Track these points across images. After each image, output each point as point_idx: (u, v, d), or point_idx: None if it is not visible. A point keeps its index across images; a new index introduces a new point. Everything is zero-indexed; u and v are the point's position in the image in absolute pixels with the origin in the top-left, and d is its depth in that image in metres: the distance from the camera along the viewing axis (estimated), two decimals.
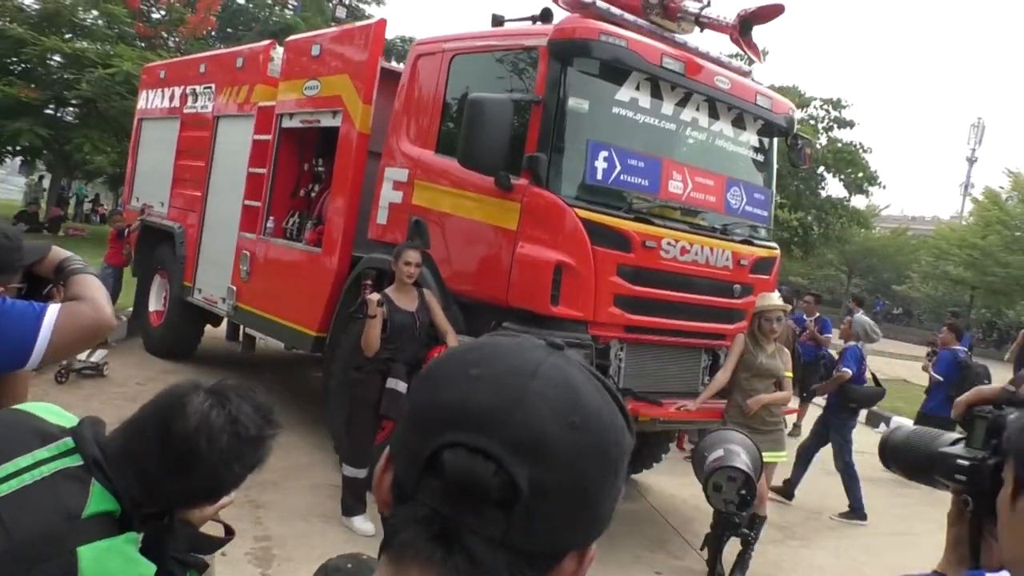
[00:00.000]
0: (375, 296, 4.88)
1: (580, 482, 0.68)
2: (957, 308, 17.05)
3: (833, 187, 29.06)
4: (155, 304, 9.25)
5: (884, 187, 28.21)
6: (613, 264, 4.98)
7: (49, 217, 21.74)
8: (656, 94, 5.26)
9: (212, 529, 1.59)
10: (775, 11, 5.25)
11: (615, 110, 5.11)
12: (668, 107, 5.35)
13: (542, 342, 0.75)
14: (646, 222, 5.13)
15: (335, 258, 6.28)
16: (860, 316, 7.98)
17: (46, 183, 27.32)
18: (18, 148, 21.69)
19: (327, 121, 6.67)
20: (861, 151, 27.94)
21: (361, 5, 28.29)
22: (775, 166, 6.28)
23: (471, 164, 4.95)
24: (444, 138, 5.57)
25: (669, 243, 5.19)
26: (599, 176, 4.99)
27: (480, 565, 0.66)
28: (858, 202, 32.92)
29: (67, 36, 19.17)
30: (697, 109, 5.51)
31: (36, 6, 18.95)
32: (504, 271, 4.99)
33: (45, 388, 7.00)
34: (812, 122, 28.79)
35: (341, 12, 9.17)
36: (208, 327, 8.97)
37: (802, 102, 28.55)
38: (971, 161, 54.41)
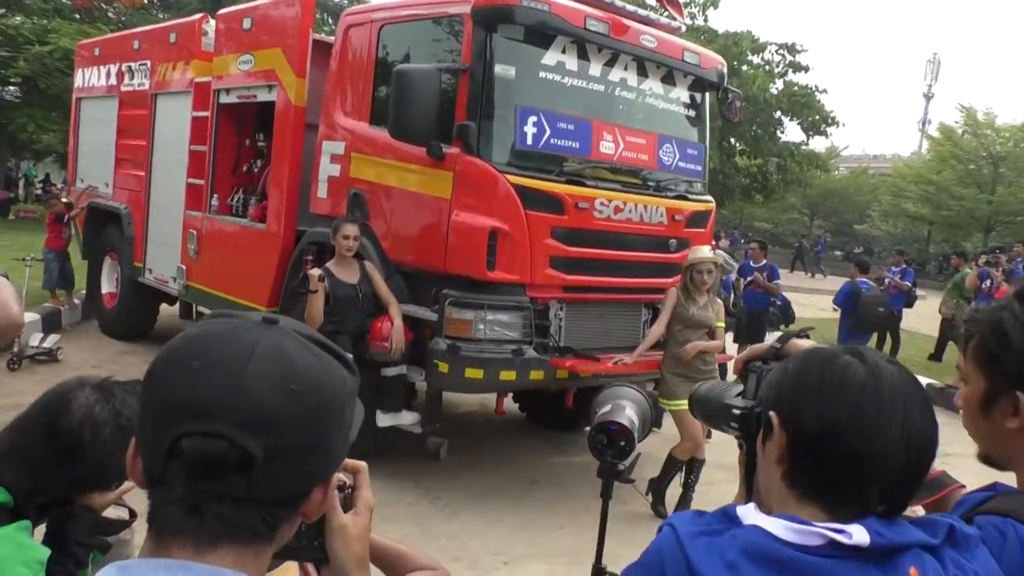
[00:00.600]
0: (316, 271, 4.96)
1: (309, 438, 0.80)
2: (901, 247, 17.44)
3: (793, 131, 29.38)
4: (108, 286, 9.22)
5: (842, 126, 28.42)
6: (547, 227, 5.11)
7: None
8: (583, 56, 5.33)
9: (117, 512, 1.71)
10: None
11: (542, 74, 5.18)
12: (596, 68, 5.42)
13: (259, 319, 0.84)
14: (579, 184, 5.25)
15: (279, 233, 6.33)
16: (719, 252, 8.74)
17: None
18: None
19: (263, 96, 6.65)
20: (816, 93, 28.14)
21: None
22: (707, 121, 6.39)
23: (401, 135, 5.01)
24: (377, 109, 5.60)
25: (602, 203, 5.32)
26: (529, 141, 5.08)
27: (232, 521, 0.78)
28: (818, 144, 33.27)
29: (1, 12, 18.61)
30: (625, 69, 5.59)
31: None
32: (441, 239, 5.09)
33: None
34: (768, 67, 28.90)
35: None
36: (165, 306, 8.98)
37: (756, 47, 28.52)
38: (928, 97, 54.95)
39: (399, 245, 5.44)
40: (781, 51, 28.94)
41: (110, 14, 20.03)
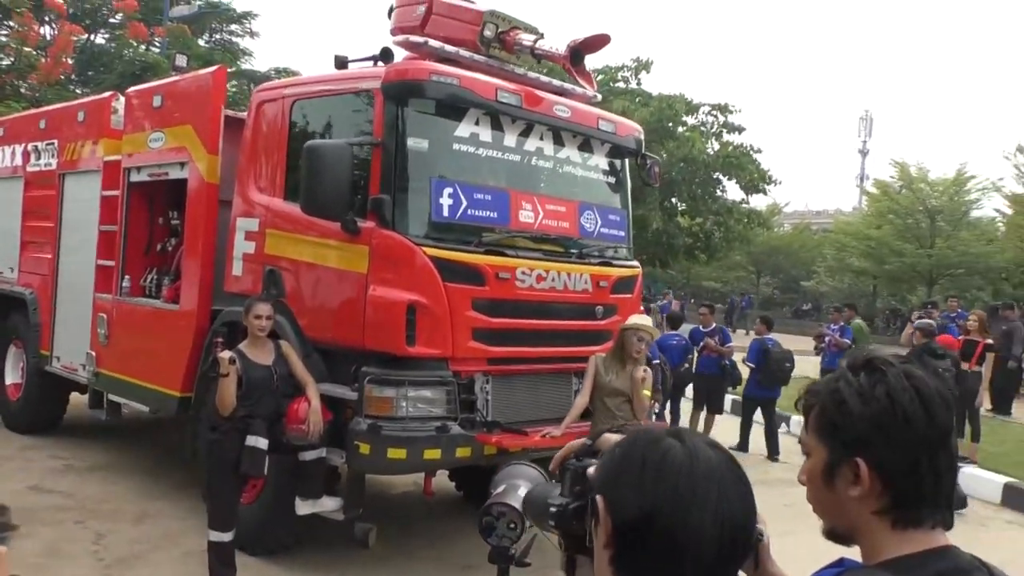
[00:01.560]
0: (226, 354, 4.73)
1: None
2: (845, 303, 17.78)
3: (734, 191, 30.10)
4: (12, 376, 8.72)
5: (779, 184, 29.25)
6: (467, 299, 5.00)
7: None
8: (497, 127, 5.33)
9: None
10: (602, 41, 5.42)
11: (456, 146, 5.15)
12: (511, 139, 5.42)
13: None
14: (499, 254, 5.18)
15: (193, 313, 6.09)
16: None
17: None
18: None
19: (175, 173, 6.47)
20: (752, 152, 29.10)
21: (234, 39, 27.73)
22: (628, 186, 6.44)
23: (314, 211, 4.90)
24: (291, 185, 5.47)
25: (524, 272, 5.25)
26: (445, 213, 5.01)
27: None
28: (760, 202, 34.19)
29: None
30: (541, 138, 5.61)
31: None
32: (359, 315, 4.94)
33: None
34: (703, 128, 29.84)
35: (181, 60, 8.96)
36: (75, 395, 8.52)
37: (690, 108, 29.45)
38: (863, 153, 57.37)
39: (316, 322, 5.26)
40: (714, 112, 29.99)
41: (23, 90, 19.60)
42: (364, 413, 4.80)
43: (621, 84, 30.64)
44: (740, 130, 29.07)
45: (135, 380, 6.67)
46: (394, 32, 5.85)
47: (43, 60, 19.94)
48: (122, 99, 7.38)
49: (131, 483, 7.01)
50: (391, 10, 6.14)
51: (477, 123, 5.23)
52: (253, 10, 27.03)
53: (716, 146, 29.66)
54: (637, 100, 29.11)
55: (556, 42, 5.63)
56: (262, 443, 4.77)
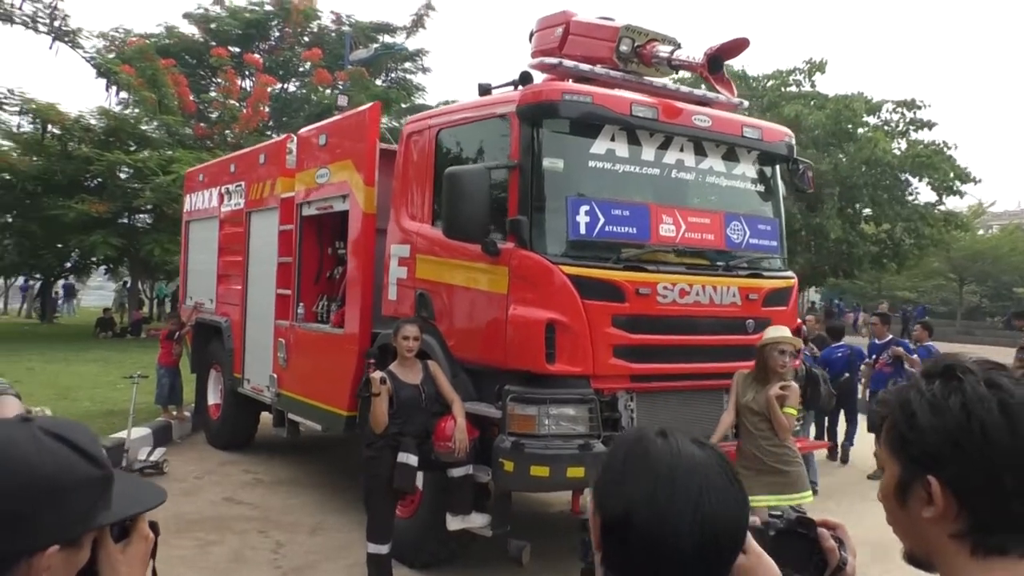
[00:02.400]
0: (377, 374, 4.99)
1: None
2: None
3: (927, 193, 27.93)
4: (213, 398, 9.62)
5: (978, 182, 26.86)
6: (607, 315, 4.98)
7: (131, 321, 22.90)
8: (635, 141, 5.29)
9: None
10: (741, 45, 5.25)
11: (592, 163, 5.16)
12: (649, 152, 5.37)
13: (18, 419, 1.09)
14: (639, 269, 5.12)
15: (356, 336, 6.46)
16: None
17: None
18: (99, 259, 23.12)
19: (339, 206, 6.92)
20: (945, 150, 26.93)
21: (408, 76, 29.27)
22: (780, 194, 6.17)
23: (455, 234, 5.07)
24: (438, 211, 5.71)
25: (665, 287, 5.16)
26: (582, 230, 5.03)
27: None
28: (959, 203, 31.49)
29: (132, 148, 20.45)
30: (681, 150, 5.51)
31: (101, 124, 20.30)
32: (501, 335, 5.05)
33: None
34: (887, 127, 27.97)
35: (343, 101, 9.60)
36: (266, 414, 9.26)
37: (871, 107, 27.79)
38: None
39: (463, 343, 5.43)
40: (899, 109, 28.04)
41: (229, 139, 21.65)
42: (508, 431, 4.89)
43: (793, 88, 29.43)
44: (930, 126, 27.04)
45: (309, 400, 7.16)
46: (535, 55, 5.98)
47: (243, 110, 21.98)
48: (295, 140, 8.00)
49: (310, 496, 7.51)
50: (531, 34, 6.29)
51: (613, 139, 5.22)
52: (424, 47, 28.27)
53: (903, 146, 27.74)
54: (812, 103, 27.81)
55: (698, 51, 5.51)
56: (412, 459, 4.98)
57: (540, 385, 4.93)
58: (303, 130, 7.85)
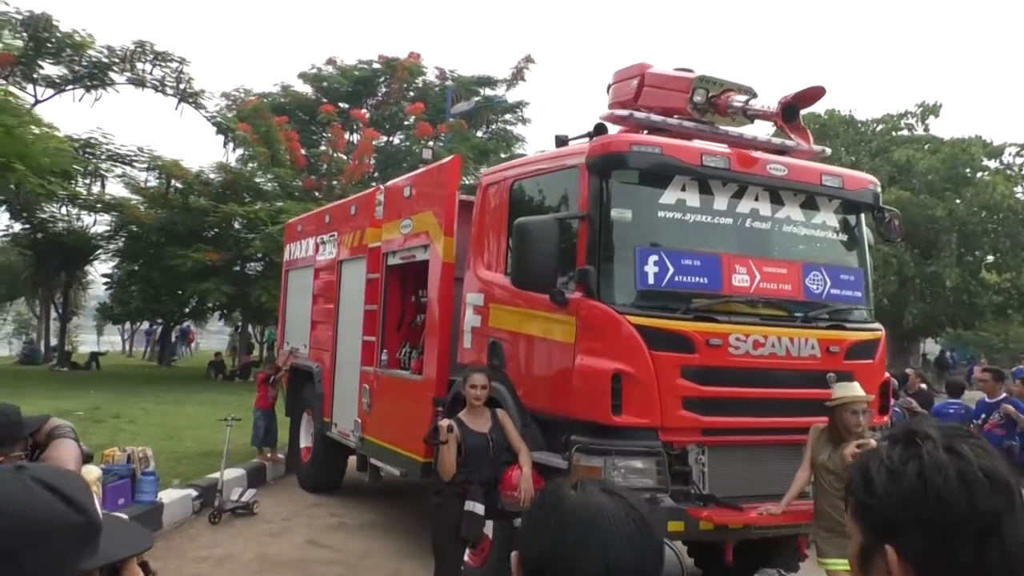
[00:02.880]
0: (446, 422, 5.05)
1: None
2: None
3: None
4: (305, 440, 9.92)
5: None
6: (676, 367, 4.90)
7: (240, 364, 23.97)
8: (706, 191, 5.24)
9: None
10: (816, 94, 5.16)
11: (662, 214, 5.14)
12: (722, 202, 5.30)
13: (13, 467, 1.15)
14: (710, 320, 5.03)
15: (432, 383, 6.57)
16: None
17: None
18: (213, 305, 24.42)
19: (420, 255, 7.11)
20: None
21: (508, 127, 29.92)
22: (865, 243, 5.95)
23: (523, 284, 5.13)
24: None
25: (738, 338, 5.04)
26: (651, 281, 4.99)
27: None
28: None
29: (246, 200, 21.65)
30: (756, 199, 5.41)
31: (219, 178, 21.61)
32: (568, 384, 5.04)
33: (200, 529, 7.66)
34: (1009, 171, 26.66)
35: (427, 153, 9.91)
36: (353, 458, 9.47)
37: (991, 151, 26.62)
38: None
39: (532, 392, 5.44)
40: (1022, 152, 26.69)
41: (336, 190, 22.62)
42: None
43: (905, 132, 28.41)
44: None
45: (389, 445, 7.30)
46: (612, 107, 6.03)
47: (349, 163, 22.96)
48: (383, 191, 8.29)
49: (390, 541, 7.60)
50: (609, 87, 6.36)
51: (684, 189, 5.18)
52: (525, 99, 28.86)
53: None
54: (927, 147, 26.77)
55: (767, 99, 5.44)
56: (479, 508, 4.99)
57: (607, 436, 4.87)
58: (391, 182, 8.13)
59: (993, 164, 26.43)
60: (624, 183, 5.10)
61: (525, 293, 5.37)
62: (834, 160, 23.54)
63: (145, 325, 34.19)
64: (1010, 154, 26.36)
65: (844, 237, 5.83)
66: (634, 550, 1.13)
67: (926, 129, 28.15)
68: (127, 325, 36.14)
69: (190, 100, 19.75)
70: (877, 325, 5.83)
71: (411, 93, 27.94)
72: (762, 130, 5.64)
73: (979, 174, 25.87)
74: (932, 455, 1.06)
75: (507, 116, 29.58)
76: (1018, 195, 25.62)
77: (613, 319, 4.89)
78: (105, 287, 27.07)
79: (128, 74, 18.93)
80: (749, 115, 5.51)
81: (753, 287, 5.25)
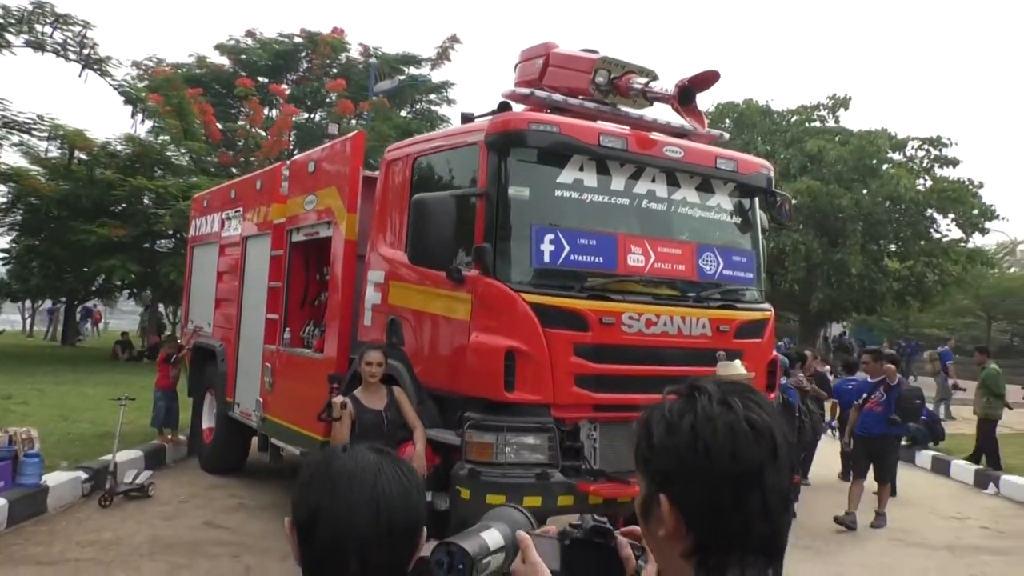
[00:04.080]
0: (339, 399, 5.00)
1: None
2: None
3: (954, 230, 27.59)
4: (207, 421, 9.66)
5: (1004, 219, 26.63)
6: (569, 344, 4.96)
7: (149, 344, 23.19)
8: (604, 171, 5.30)
9: None
10: (711, 77, 5.25)
11: (559, 193, 5.17)
12: (619, 182, 5.36)
13: None
14: (604, 299, 5.10)
15: (333, 361, 6.48)
16: None
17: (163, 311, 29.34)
18: (120, 283, 23.52)
19: (324, 232, 6.99)
20: (971, 187, 26.69)
21: (432, 107, 29.61)
22: (758, 226, 6.12)
23: (419, 260, 5.10)
24: None
25: (631, 317, 5.13)
26: (547, 259, 5.02)
27: None
28: (990, 240, 30.96)
29: (158, 174, 20.87)
30: (653, 181, 5.50)
31: (127, 150, 20.76)
32: (463, 361, 5.04)
33: (88, 512, 7.39)
34: (911, 164, 27.79)
35: (333, 129, 9.73)
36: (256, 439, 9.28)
37: (896, 144, 27.67)
38: None
39: (429, 369, 5.43)
40: (925, 146, 27.85)
41: (254, 166, 22.01)
42: (466, 458, 4.86)
43: (817, 123, 29.32)
44: (955, 163, 26.78)
45: (291, 425, 7.17)
46: (518, 85, 6.02)
47: (267, 139, 22.37)
48: (289, 167, 8.11)
49: None
50: (516, 66, 6.34)
51: (582, 168, 5.22)
52: (450, 79, 28.63)
53: (928, 183, 27.44)
54: (836, 138, 27.68)
55: (666, 83, 5.51)
56: None
57: (500, 413, 4.90)
58: (295, 158, 7.96)
59: (898, 157, 27.51)
60: (522, 161, 5.11)
61: (424, 270, 5.34)
62: (751, 149, 24.18)
63: (48, 303, 32.75)
64: (913, 147, 27.48)
65: (737, 220, 5.98)
66: (400, 492, 1.22)
67: (836, 121, 29.11)
68: (28, 303, 34.53)
69: (95, 67, 18.85)
70: (767, 305, 6.02)
71: (334, 70, 27.35)
72: (668, 114, 5.69)
73: (884, 166, 26.90)
74: (705, 408, 1.09)
75: (432, 96, 29.28)
76: (920, 188, 26.75)
77: (508, 296, 4.90)
78: (2, 263, 25.75)
79: (25, 36, 17.93)
80: (649, 97, 5.58)
81: (648, 267, 5.34)
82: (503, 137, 5.08)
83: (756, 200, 6.11)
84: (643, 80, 5.60)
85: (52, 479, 7.44)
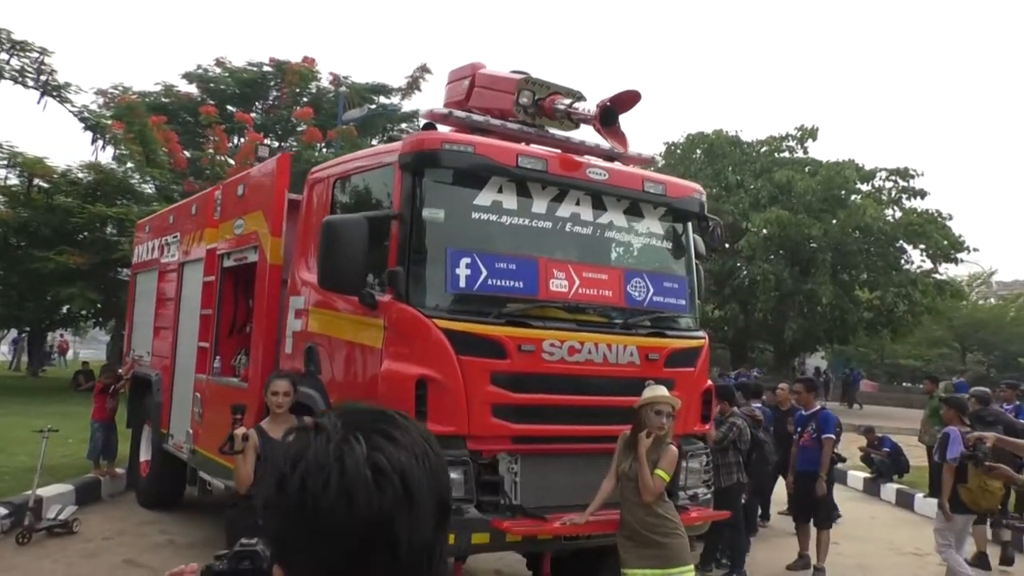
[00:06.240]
0: (241, 430, 4.76)
1: None
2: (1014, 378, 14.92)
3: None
4: (144, 454, 9.33)
5: (973, 251, 26.84)
6: (486, 373, 4.74)
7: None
8: (524, 193, 5.12)
9: None
10: (633, 97, 5.11)
11: (476, 215, 4.98)
12: (541, 205, 5.19)
13: None
14: (524, 325, 4.90)
15: (258, 391, 6.21)
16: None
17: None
18: (83, 312, 23.07)
19: (251, 257, 6.77)
20: (940, 218, 26.88)
21: (403, 136, 29.53)
22: (691, 251, 5.96)
23: (328, 285, 4.89)
24: None
25: (553, 344, 4.92)
26: (462, 284, 4.82)
27: None
28: (962, 271, 31.18)
29: (121, 202, 20.56)
30: (578, 204, 5.33)
31: (88, 178, 20.47)
32: (375, 390, 4.81)
33: (2, 550, 7.04)
34: (880, 195, 27.98)
35: (263, 151, 9.51)
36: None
37: (864, 175, 27.87)
38: None
39: (343, 398, 5.18)
40: (892, 177, 28.07)
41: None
42: None
43: (786, 154, 29.53)
44: (922, 195, 27.03)
45: (217, 458, 6.88)
46: (446, 106, 5.86)
47: (233, 167, 22.14)
48: (222, 190, 7.90)
49: None
50: (445, 86, 6.20)
51: (501, 191, 5.05)
52: (420, 108, 28.57)
53: (898, 214, 27.64)
54: (807, 169, 27.86)
55: (589, 104, 5.37)
56: None
57: None
58: (227, 180, 7.75)
59: (866, 187, 27.72)
60: (437, 182, 4.93)
61: (340, 296, 5.13)
62: (721, 179, 24.22)
63: (13, 333, 32.13)
64: (881, 178, 27.70)
65: (668, 244, 5.82)
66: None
67: (805, 151, 29.33)
68: None
69: (53, 94, 18.63)
70: (701, 333, 5.84)
71: (304, 99, 27.26)
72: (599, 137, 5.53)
73: (853, 196, 27.08)
74: (319, 454, 0.89)
75: (403, 125, 29.21)
76: (888, 219, 26.93)
77: (420, 323, 4.69)
78: None
79: None
80: (574, 119, 5.44)
81: (572, 293, 5.15)
82: (417, 157, 4.90)
83: (689, 225, 5.95)
84: (567, 101, 5.46)
85: None
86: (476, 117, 5.34)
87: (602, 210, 5.43)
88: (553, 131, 5.64)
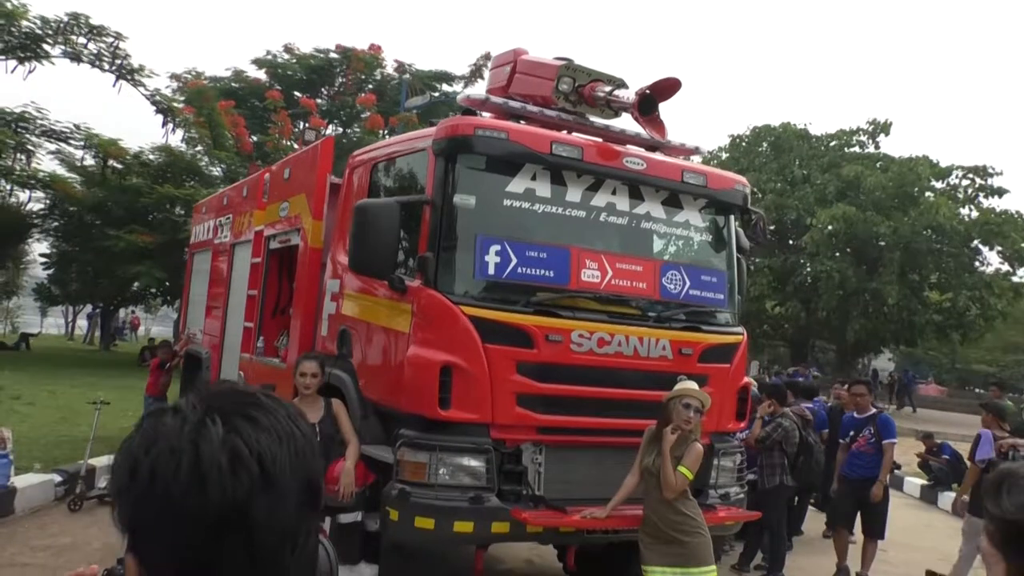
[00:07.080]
0: None
1: None
2: None
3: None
4: None
5: None
6: (512, 362, 4.70)
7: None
8: (558, 181, 5.04)
9: None
10: (673, 85, 4.98)
11: (508, 202, 4.93)
12: (575, 194, 5.10)
13: None
14: (552, 315, 4.83)
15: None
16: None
17: None
18: (153, 289, 23.86)
19: (295, 239, 6.86)
20: (1019, 219, 25.77)
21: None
22: (732, 244, 5.79)
23: (359, 268, 4.91)
24: None
25: (582, 335, 4.85)
26: (491, 271, 4.78)
27: None
28: None
29: (189, 183, 21.15)
30: (614, 193, 5.23)
31: (159, 159, 21.12)
32: (400, 375, 4.82)
33: (55, 516, 7.32)
34: (955, 193, 26.93)
35: (310, 135, 9.59)
36: None
37: (938, 173, 26.83)
38: None
39: (371, 383, 5.22)
40: (969, 175, 26.96)
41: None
42: (398, 478, 4.62)
43: (856, 148, 28.61)
44: (1001, 193, 25.89)
45: None
46: (489, 92, 5.82)
47: (296, 151, 22.54)
48: (271, 174, 8.01)
49: None
50: (488, 72, 6.16)
51: (534, 178, 4.98)
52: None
53: (974, 213, 26.55)
54: (878, 165, 26.94)
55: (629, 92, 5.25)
56: None
57: (437, 431, 4.65)
58: (276, 164, 7.86)
59: (940, 185, 26.70)
60: (470, 168, 4.89)
61: (372, 280, 5.15)
62: (787, 172, 23.57)
63: (89, 308, 33.46)
64: (956, 176, 26.63)
65: (708, 237, 5.68)
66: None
67: (876, 146, 28.39)
68: (69, 307, 35.33)
69: (128, 78, 19.22)
70: (739, 329, 5.68)
71: (369, 86, 27.57)
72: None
73: (926, 194, 26.11)
74: (170, 437, 0.86)
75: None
76: (964, 218, 25.89)
77: (447, 309, 4.67)
78: (43, 267, 26.35)
79: (62, 47, 18.36)
80: (613, 106, 5.33)
81: (604, 283, 5.06)
82: (450, 143, 4.87)
83: (731, 218, 5.78)
84: (607, 88, 5.35)
85: (21, 481, 7.39)
86: (513, 103, 5.29)
87: (639, 200, 5.32)
88: (594, 119, 5.55)
